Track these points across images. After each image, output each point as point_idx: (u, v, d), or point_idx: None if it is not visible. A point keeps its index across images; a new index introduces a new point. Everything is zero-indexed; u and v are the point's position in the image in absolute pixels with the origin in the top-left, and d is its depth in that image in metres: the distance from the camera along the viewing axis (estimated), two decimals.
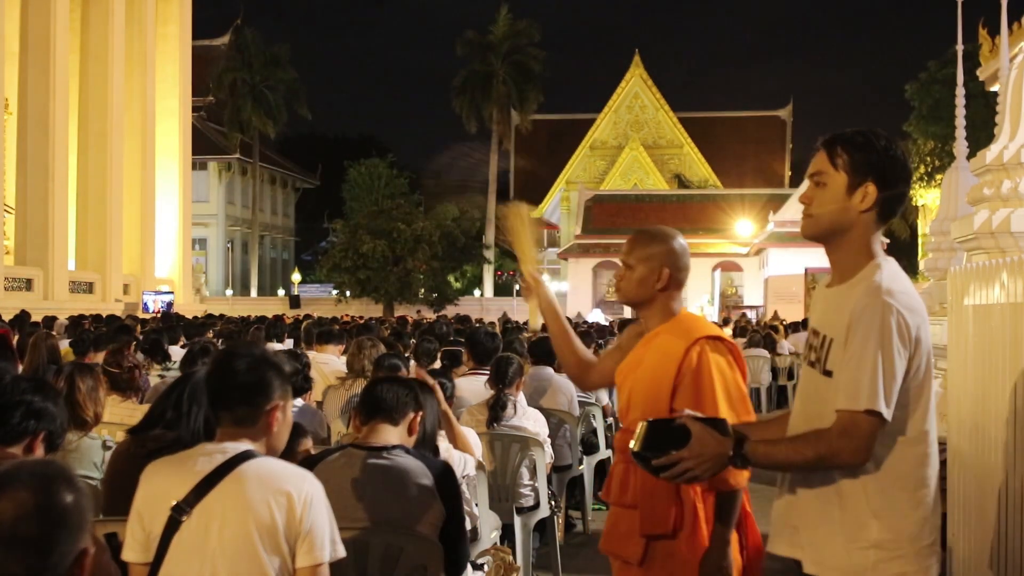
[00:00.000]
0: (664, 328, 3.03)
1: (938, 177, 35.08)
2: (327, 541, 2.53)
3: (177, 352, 8.29)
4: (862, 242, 2.44)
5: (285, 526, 2.48)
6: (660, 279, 3.04)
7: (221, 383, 2.64)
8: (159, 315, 20.92)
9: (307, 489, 2.52)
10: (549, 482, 5.78)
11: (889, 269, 2.40)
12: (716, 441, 2.36)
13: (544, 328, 3.38)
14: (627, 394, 3.05)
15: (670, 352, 2.94)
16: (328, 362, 7.86)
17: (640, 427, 2.41)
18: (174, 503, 2.49)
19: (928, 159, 38.54)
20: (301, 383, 5.43)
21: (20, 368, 6.82)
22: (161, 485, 2.55)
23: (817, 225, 2.47)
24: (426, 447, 3.71)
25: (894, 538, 2.35)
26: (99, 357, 7.43)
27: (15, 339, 9.70)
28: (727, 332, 11.28)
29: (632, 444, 2.42)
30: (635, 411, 2.95)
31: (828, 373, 2.38)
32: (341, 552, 2.57)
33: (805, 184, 2.54)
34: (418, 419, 3.47)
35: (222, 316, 20.59)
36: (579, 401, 7.07)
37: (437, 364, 7.08)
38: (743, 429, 2.50)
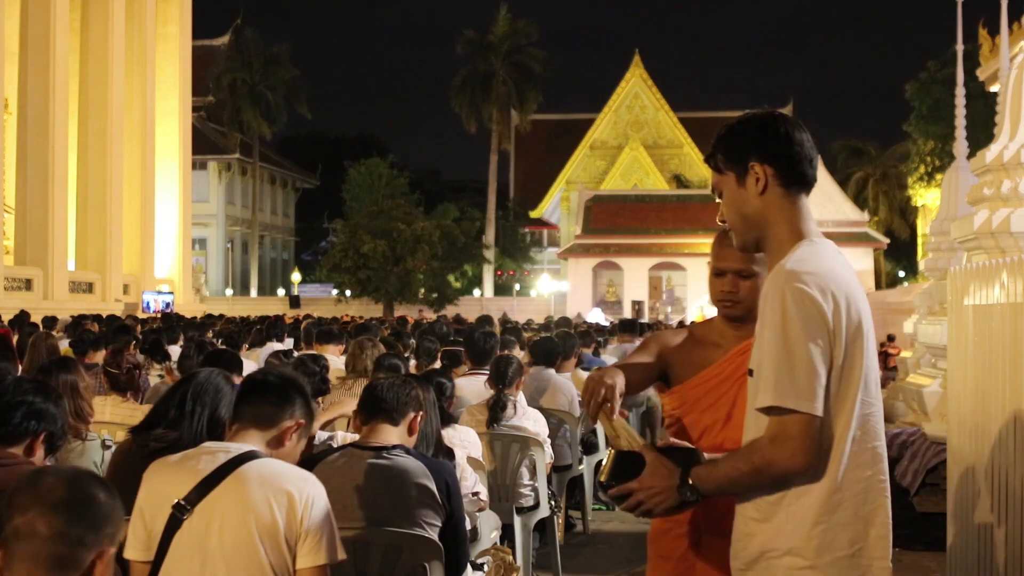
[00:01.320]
0: None
1: (938, 177, 35.09)
2: (328, 542, 2.53)
3: (177, 352, 8.29)
4: (785, 226, 2.21)
5: (286, 527, 2.48)
6: None
7: (257, 379, 2.73)
8: (159, 315, 20.92)
9: (309, 491, 2.52)
10: (549, 482, 5.78)
11: (806, 249, 2.15)
12: (667, 472, 2.15)
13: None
14: (727, 407, 2.64)
15: None
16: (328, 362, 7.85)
17: (608, 455, 2.28)
18: (176, 502, 2.49)
19: (928, 159, 38.55)
20: (319, 385, 5.58)
21: (20, 368, 6.81)
22: (163, 484, 2.56)
23: (738, 233, 2.28)
24: (427, 447, 3.72)
25: (791, 547, 2.09)
26: (98, 357, 7.44)
27: (15, 339, 9.70)
28: None
29: (599, 473, 2.26)
30: (739, 428, 2.41)
31: (750, 372, 2.18)
32: (341, 555, 2.58)
33: None
34: (418, 419, 3.47)
35: (222, 316, 20.59)
36: (579, 401, 7.07)
37: (437, 364, 7.08)
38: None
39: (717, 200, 2.30)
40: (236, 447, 2.59)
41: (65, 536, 1.66)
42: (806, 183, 2.23)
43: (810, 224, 2.22)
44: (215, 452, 2.57)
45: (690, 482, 2.13)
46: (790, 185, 2.21)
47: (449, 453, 3.95)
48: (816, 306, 2.04)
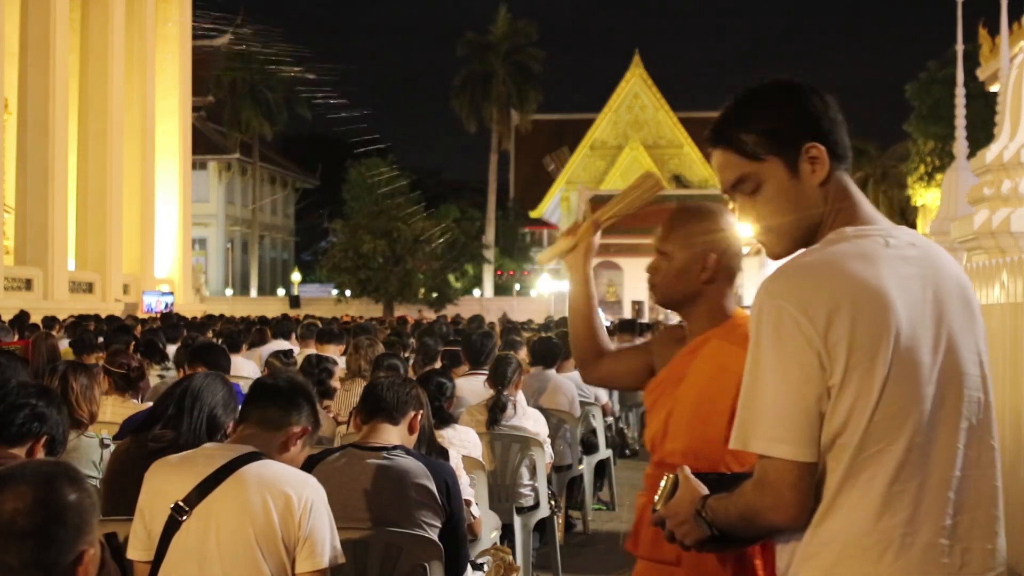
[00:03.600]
0: (716, 333, 2.35)
1: (938, 177, 35.08)
2: (328, 546, 2.53)
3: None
4: (840, 217, 1.76)
5: (284, 530, 2.48)
6: (706, 268, 2.36)
7: (267, 383, 2.74)
8: (159, 316, 20.92)
9: (308, 494, 2.52)
10: (549, 482, 5.78)
11: (818, 247, 1.72)
12: (692, 498, 1.79)
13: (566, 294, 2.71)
14: (663, 418, 2.39)
15: (726, 364, 2.25)
16: None
17: (665, 480, 1.88)
18: (175, 503, 2.49)
19: (928, 159, 38.54)
20: (323, 387, 5.64)
21: None
22: (163, 484, 2.56)
23: (783, 237, 1.79)
24: (420, 446, 3.72)
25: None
26: (93, 358, 7.43)
27: (14, 338, 9.70)
28: None
29: (656, 499, 1.87)
30: (677, 440, 2.33)
31: None
32: (341, 558, 2.57)
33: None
34: (419, 418, 3.46)
35: (222, 316, 20.57)
36: (579, 401, 7.07)
37: (437, 364, 7.08)
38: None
39: (728, 197, 1.85)
40: (237, 448, 2.59)
41: (37, 563, 1.63)
42: (847, 156, 1.79)
43: (863, 213, 1.76)
44: (215, 453, 2.57)
45: (704, 514, 1.77)
46: (838, 163, 1.76)
47: (443, 453, 3.94)
48: (796, 325, 1.61)
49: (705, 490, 1.80)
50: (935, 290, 1.68)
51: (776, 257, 1.82)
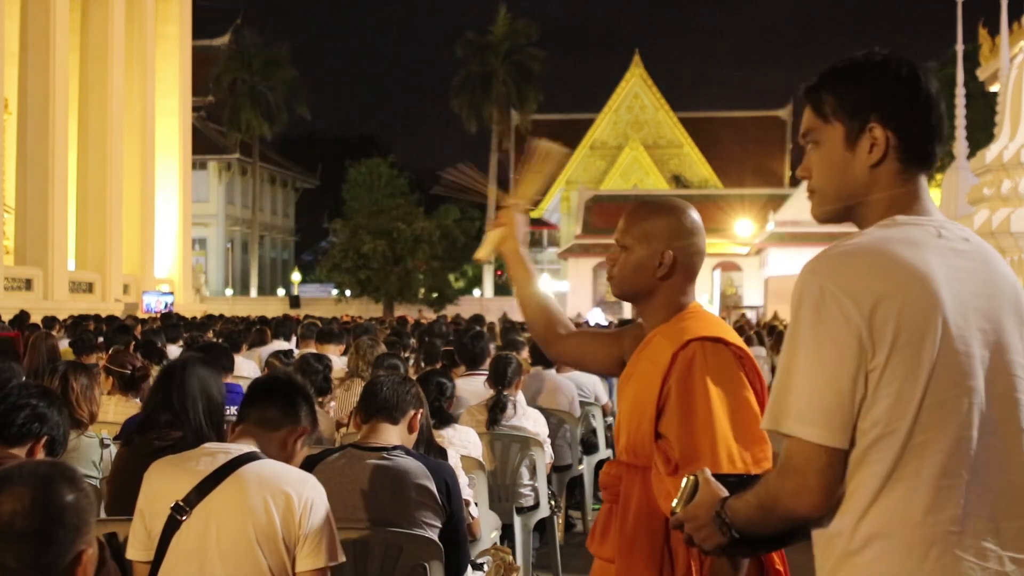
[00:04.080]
0: (661, 330, 2.33)
1: (938, 177, 35.07)
2: (328, 545, 2.53)
3: (176, 353, 8.29)
4: (883, 205, 1.72)
5: (284, 529, 2.48)
6: (662, 264, 2.33)
7: (265, 383, 2.75)
8: (159, 316, 20.92)
9: (308, 493, 2.52)
10: (549, 482, 5.78)
11: (872, 232, 1.68)
12: (712, 500, 1.74)
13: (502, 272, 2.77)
14: (619, 416, 2.43)
15: (657, 360, 2.26)
16: None
17: (685, 482, 1.82)
18: (174, 503, 2.49)
19: None
20: (321, 384, 5.64)
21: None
22: (163, 484, 2.56)
23: (823, 199, 1.78)
24: (419, 446, 3.72)
25: None
26: (94, 358, 7.43)
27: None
28: None
29: (674, 503, 1.81)
30: (621, 437, 2.36)
31: None
32: (341, 557, 2.57)
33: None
34: (419, 417, 3.46)
35: (222, 316, 20.58)
36: (579, 401, 7.07)
37: (437, 364, 7.09)
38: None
39: (801, 143, 1.81)
40: (236, 448, 2.58)
41: (36, 564, 1.63)
42: (929, 162, 1.74)
43: (919, 205, 1.72)
44: (215, 453, 2.57)
45: (723, 516, 1.71)
46: (910, 161, 1.72)
47: (441, 453, 3.94)
48: (837, 304, 1.57)
49: (724, 492, 1.74)
50: (986, 286, 1.64)
51: (816, 217, 1.82)
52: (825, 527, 1.64)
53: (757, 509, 1.66)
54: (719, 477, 1.80)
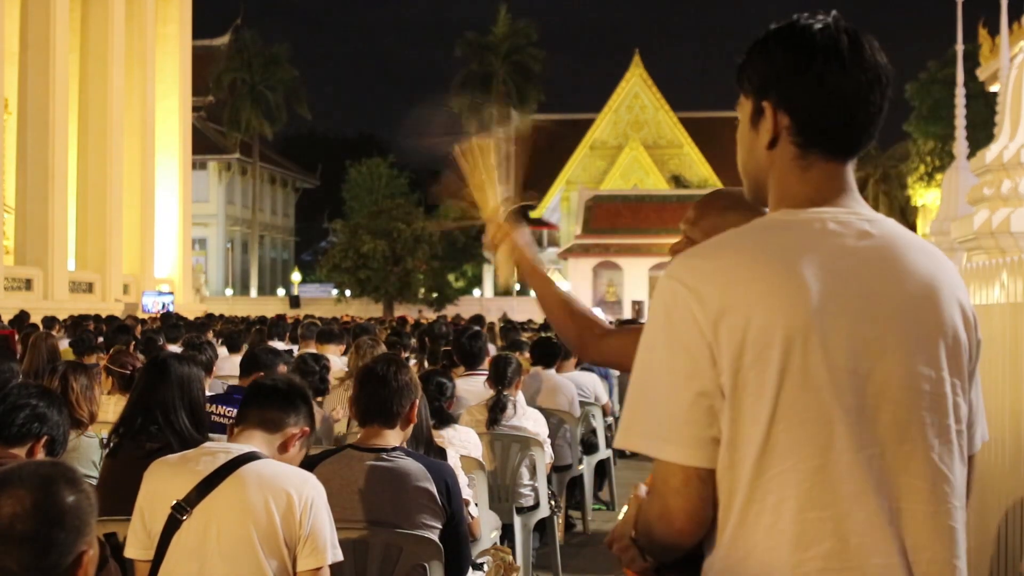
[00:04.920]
0: None
1: (938, 177, 35.11)
2: (328, 544, 2.54)
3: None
4: (778, 194, 1.54)
5: (285, 528, 2.48)
6: None
7: (266, 384, 2.74)
8: (158, 316, 20.92)
9: (308, 492, 2.53)
10: (549, 482, 5.78)
11: (733, 230, 1.49)
12: (634, 520, 1.58)
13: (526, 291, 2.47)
14: None
15: None
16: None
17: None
18: (175, 503, 2.50)
19: (928, 159, 38.58)
20: (318, 384, 5.69)
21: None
22: (163, 484, 2.56)
23: (743, 180, 1.63)
24: (418, 446, 3.71)
25: None
26: (94, 358, 7.43)
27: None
28: None
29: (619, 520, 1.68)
30: None
31: None
32: (339, 556, 2.59)
33: None
34: (415, 409, 3.42)
35: (222, 316, 20.59)
36: (579, 401, 7.08)
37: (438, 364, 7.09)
38: None
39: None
40: (237, 448, 2.59)
41: (37, 567, 1.63)
42: (833, 146, 1.50)
43: (817, 195, 1.49)
44: (216, 453, 2.58)
45: (636, 539, 1.54)
46: (809, 145, 1.49)
47: (441, 453, 3.94)
48: (688, 308, 1.40)
49: None
50: (884, 285, 1.43)
51: (748, 199, 1.66)
52: (709, 554, 1.46)
53: (642, 536, 1.50)
54: None
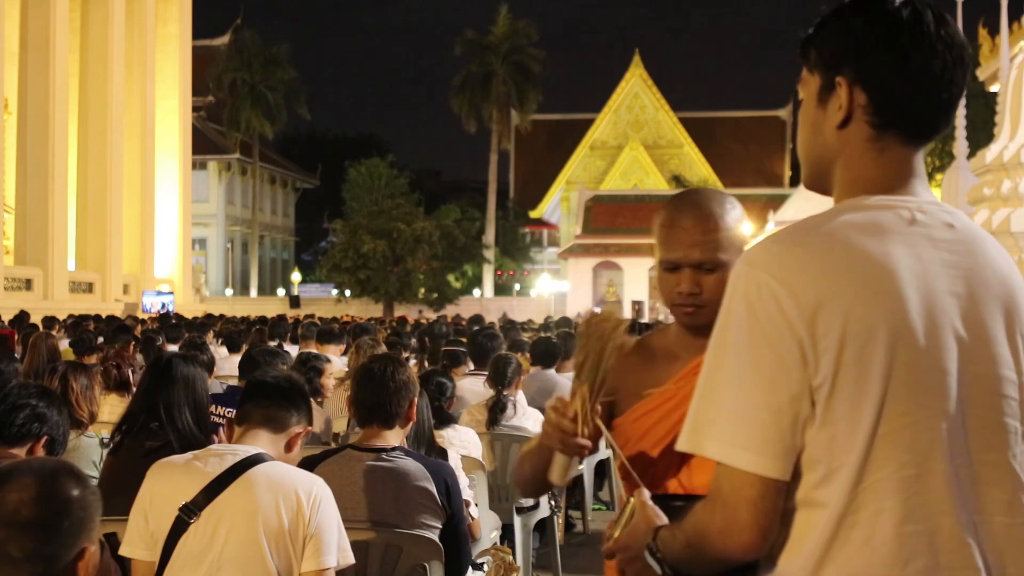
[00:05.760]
0: None
1: (938, 177, 35.10)
2: (335, 546, 2.50)
3: None
4: (849, 178, 1.43)
5: (293, 529, 2.46)
6: None
7: (266, 381, 2.72)
8: (157, 316, 20.92)
9: (317, 492, 2.51)
10: None
11: (817, 216, 1.39)
12: (646, 528, 1.49)
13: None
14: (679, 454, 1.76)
15: None
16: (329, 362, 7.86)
17: (627, 505, 1.61)
18: (182, 505, 2.47)
19: (928, 159, 38.57)
20: (316, 384, 5.59)
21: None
22: (168, 485, 2.53)
23: (803, 164, 1.51)
24: (419, 446, 3.71)
25: None
26: (94, 358, 7.43)
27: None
28: None
29: (613, 527, 1.60)
30: (706, 472, 1.67)
31: None
32: (350, 559, 2.55)
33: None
34: (414, 407, 3.42)
35: (222, 316, 20.58)
36: None
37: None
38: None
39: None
40: (244, 449, 2.57)
41: (39, 555, 1.64)
42: (913, 128, 1.40)
43: (894, 181, 1.39)
44: (223, 454, 2.55)
45: (654, 549, 1.45)
46: (886, 126, 1.39)
47: (442, 453, 3.94)
48: (776, 301, 1.29)
49: (662, 519, 1.49)
50: (968, 283, 1.35)
51: (805, 185, 1.55)
52: (770, 571, 1.36)
53: (685, 547, 1.39)
54: (662, 498, 1.58)
